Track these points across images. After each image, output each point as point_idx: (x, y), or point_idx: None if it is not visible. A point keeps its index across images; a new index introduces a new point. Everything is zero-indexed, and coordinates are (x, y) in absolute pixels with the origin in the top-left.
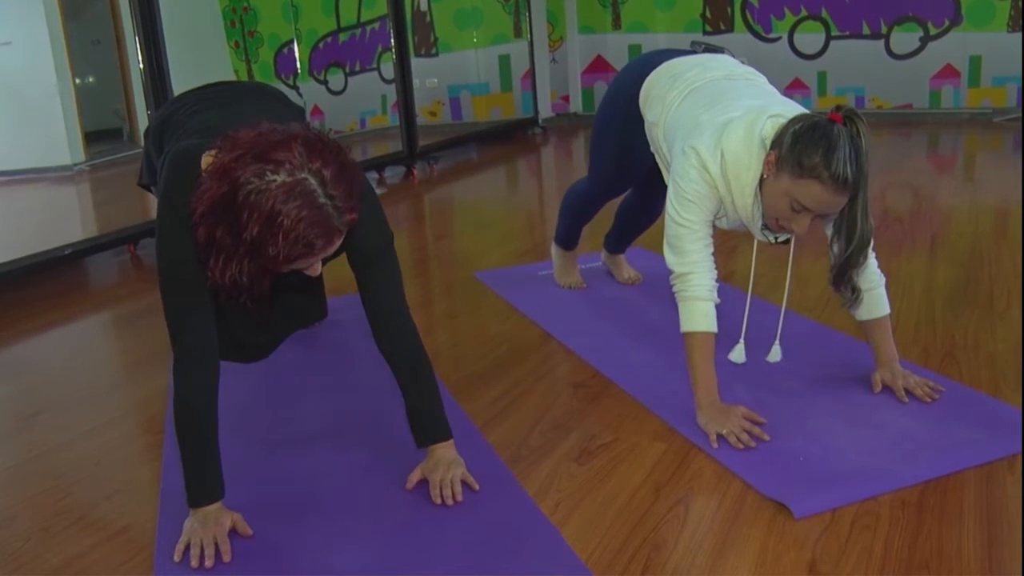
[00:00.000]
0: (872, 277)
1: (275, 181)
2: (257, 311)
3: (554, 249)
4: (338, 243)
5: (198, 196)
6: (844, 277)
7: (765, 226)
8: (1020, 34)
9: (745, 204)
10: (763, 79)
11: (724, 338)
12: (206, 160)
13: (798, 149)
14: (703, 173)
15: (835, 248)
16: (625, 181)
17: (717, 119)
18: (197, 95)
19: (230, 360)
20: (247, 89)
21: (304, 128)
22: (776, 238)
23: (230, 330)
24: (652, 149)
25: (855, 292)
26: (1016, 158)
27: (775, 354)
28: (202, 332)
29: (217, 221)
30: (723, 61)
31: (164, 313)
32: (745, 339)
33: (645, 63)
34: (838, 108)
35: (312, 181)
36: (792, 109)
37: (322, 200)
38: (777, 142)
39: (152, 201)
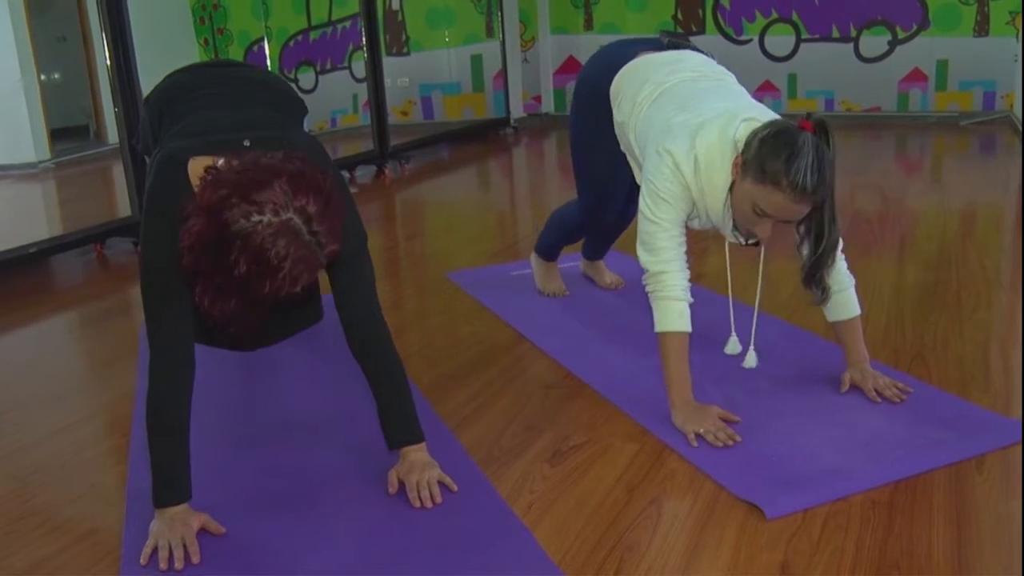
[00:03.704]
0: (842, 279)
1: (261, 222)
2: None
3: (534, 258)
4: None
5: (186, 231)
6: (815, 277)
7: (736, 228)
8: (985, 39)
9: (717, 207)
10: (732, 78)
11: (698, 339)
12: (192, 166)
13: (762, 154)
14: (677, 175)
15: (804, 251)
16: (617, 200)
17: (690, 122)
18: (205, 77)
19: (211, 345)
20: (255, 85)
21: (287, 160)
22: (746, 240)
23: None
24: (622, 147)
25: (824, 291)
26: (982, 160)
27: (750, 360)
28: (179, 333)
29: (204, 256)
30: (692, 60)
31: (144, 311)
32: (736, 332)
33: (610, 64)
34: (809, 116)
35: (297, 220)
36: (763, 112)
37: (307, 238)
38: (746, 146)
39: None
